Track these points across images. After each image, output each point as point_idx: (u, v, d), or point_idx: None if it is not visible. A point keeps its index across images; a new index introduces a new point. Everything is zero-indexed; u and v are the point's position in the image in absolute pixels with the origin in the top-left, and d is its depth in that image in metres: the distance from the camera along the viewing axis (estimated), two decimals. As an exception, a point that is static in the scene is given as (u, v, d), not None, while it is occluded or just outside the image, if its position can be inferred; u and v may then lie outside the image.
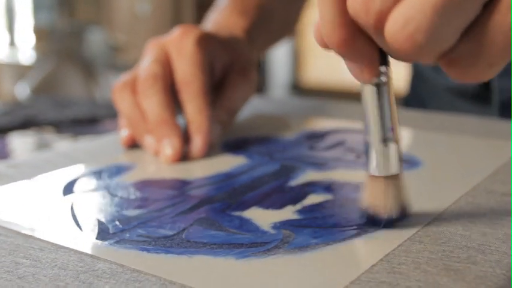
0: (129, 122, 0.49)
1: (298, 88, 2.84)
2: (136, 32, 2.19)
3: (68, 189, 0.41)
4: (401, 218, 0.33)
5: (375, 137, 0.32)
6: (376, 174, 0.33)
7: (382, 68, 0.31)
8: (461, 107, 0.71)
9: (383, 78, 0.31)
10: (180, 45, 0.50)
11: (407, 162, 0.44)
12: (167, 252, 0.31)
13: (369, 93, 0.32)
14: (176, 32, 0.51)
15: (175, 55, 0.50)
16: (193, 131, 0.48)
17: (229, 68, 0.54)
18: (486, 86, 0.70)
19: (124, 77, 0.51)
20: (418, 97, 0.79)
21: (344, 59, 0.30)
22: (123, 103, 0.49)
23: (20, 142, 0.88)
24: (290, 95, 2.72)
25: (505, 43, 0.25)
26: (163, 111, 0.47)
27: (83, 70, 2.09)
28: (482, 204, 0.36)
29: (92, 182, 0.42)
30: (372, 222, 0.33)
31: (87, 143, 0.53)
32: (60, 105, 1.15)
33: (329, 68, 2.77)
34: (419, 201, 0.37)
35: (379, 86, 0.31)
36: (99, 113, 1.06)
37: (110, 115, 1.03)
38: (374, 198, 0.33)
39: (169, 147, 0.46)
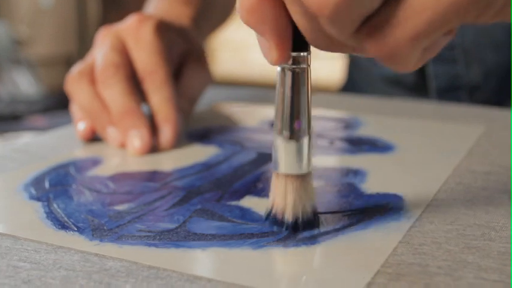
0: (88, 114, 0.46)
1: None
2: (39, 25, 2.10)
3: (40, 186, 0.38)
4: (307, 223, 0.30)
5: (279, 130, 0.29)
6: (280, 171, 0.30)
7: (298, 54, 0.28)
8: (397, 96, 0.72)
9: (298, 65, 0.28)
10: (138, 34, 0.48)
11: (383, 146, 0.45)
12: (177, 246, 0.29)
13: (279, 79, 0.29)
14: (131, 20, 0.49)
15: (133, 44, 0.47)
16: (161, 121, 0.46)
17: (186, 57, 0.52)
18: (421, 75, 0.72)
19: (78, 67, 0.48)
20: (354, 86, 0.80)
21: (256, 34, 0.27)
22: (80, 94, 0.47)
23: None
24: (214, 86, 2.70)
25: (434, 18, 0.23)
26: (128, 100, 0.45)
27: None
28: (471, 184, 0.37)
29: (63, 178, 0.39)
30: (274, 223, 0.30)
31: (39, 138, 0.50)
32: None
33: (237, 59, 2.77)
34: (410, 183, 0.37)
35: (291, 73, 0.28)
36: (19, 108, 1.01)
37: (31, 111, 0.98)
38: (277, 198, 0.30)
39: (137, 138, 0.44)
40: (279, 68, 0.28)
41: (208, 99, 0.59)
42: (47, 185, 0.38)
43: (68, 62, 2.20)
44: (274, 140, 0.29)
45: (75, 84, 0.47)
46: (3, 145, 0.57)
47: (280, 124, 0.29)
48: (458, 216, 0.32)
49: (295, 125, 0.29)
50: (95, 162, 0.43)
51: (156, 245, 0.29)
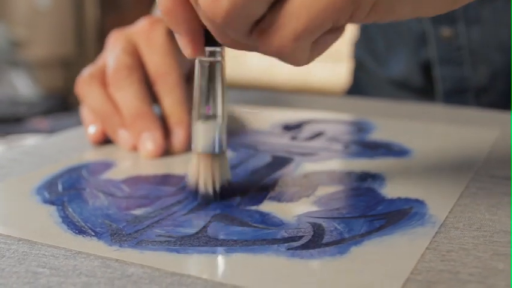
0: (99, 116, 0.46)
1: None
2: (37, 26, 2.08)
3: (53, 189, 0.37)
4: (221, 196, 0.34)
5: (195, 113, 0.34)
6: (200, 150, 0.34)
7: (212, 49, 0.32)
8: (404, 99, 0.72)
9: (213, 58, 0.33)
10: (150, 37, 0.47)
11: (399, 150, 0.44)
12: (199, 251, 0.28)
13: (196, 70, 0.33)
14: (143, 23, 0.48)
15: (145, 46, 0.47)
16: (174, 124, 0.45)
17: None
18: (428, 77, 0.72)
19: (88, 70, 0.47)
20: (360, 89, 0.80)
21: (174, 30, 0.31)
22: (91, 97, 0.46)
23: None
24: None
25: (311, 18, 0.26)
26: (141, 103, 0.44)
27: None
28: (493, 189, 0.36)
29: (76, 181, 0.38)
30: (192, 196, 0.35)
31: (47, 140, 0.49)
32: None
33: (235, 63, 2.77)
34: (430, 187, 0.36)
35: (206, 64, 0.33)
36: (20, 111, 1.00)
37: (31, 113, 0.97)
38: (194, 173, 0.35)
39: (150, 141, 0.43)
40: (196, 61, 0.33)
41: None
42: (60, 188, 0.37)
43: (66, 64, 2.19)
44: (192, 124, 0.34)
45: (86, 87, 0.46)
46: (9, 147, 0.56)
47: (196, 109, 0.34)
48: (484, 222, 0.31)
49: (207, 109, 0.34)
50: (107, 165, 0.42)
51: (177, 251, 0.29)
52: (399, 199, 0.35)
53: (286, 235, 0.30)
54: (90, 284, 0.26)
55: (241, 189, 0.36)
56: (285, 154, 0.43)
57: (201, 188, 0.34)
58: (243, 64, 2.72)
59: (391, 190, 0.36)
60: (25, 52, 2.03)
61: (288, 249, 0.29)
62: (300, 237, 0.30)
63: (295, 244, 0.29)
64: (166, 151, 0.44)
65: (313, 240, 0.29)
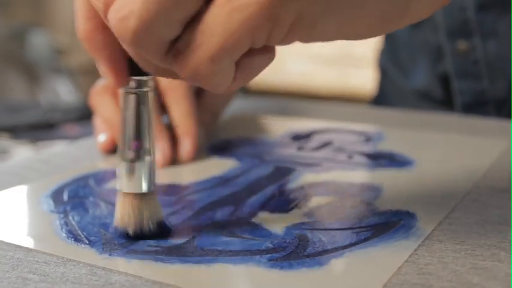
0: (110, 126, 0.47)
1: (244, 89, 2.83)
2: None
3: (59, 198, 0.38)
4: (148, 237, 0.31)
5: (121, 150, 0.31)
6: (124, 190, 0.31)
7: (139, 78, 0.30)
8: (427, 110, 0.72)
9: (139, 88, 0.30)
10: None
11: (401, 161, 0.44)
12: (183, 261, 0.30)
13: (121, 101, 0.30)
14: None
15: None
16: (182, 134, 0.46)
17: None
18: (448, 90, 0.71)
19: (102, 81, 0.49)
20: (385, 98, 0.80)
21: (94, 58, 0.29)
22: (103, 107, 0.47)
23: (-26, 149, 0.84)
24: (241, 96, 2.72)
25: (225, 38, 0.25)
26: (149, 114, 0.46)
27: (26, 74, 2.03)
28: (488, 202, 0.36)
29: (81, 190, 0.40)
30: (116, 237, 0.32)
31: (61, 149, 0.51)
32: (12, 110, 1.10)
33: (274, 69, 2.78)
34: (425, 200, 0.37)
35: (132, 96, 0.30)
36: (55, 117, 1.03)
37: (66, 120, 1.00)
38: (118, 213, 0.32)
39: (158, 151, 0.45)
40: (121, 91, 0.30)
41: (236, 109, 0.60)
42: (65, 197, 0.39)
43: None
44: (117, 160, 0.31)
45: (98, 97, 0.48)
46: (32, 155, 0.58)
47: (122, 145, 0.31)
48: (470, 235, 0.32)
49: (134, 145, 0.30)
50: (115, 174, 0.43)
51: (162, 260, 0.30)
52: (390, 211, 0.35)
53: (270, 246, 0.31)
54: (74, 290, 0.27)
55: (238, 200, 0.37)
56: (289, 164, 0.44)
57: (124, 230, 0.32)
58: (281, 70, 2.73)
59: (384, 202, 0.36)
60: (67, 59, 2.09)
61: (270, 260, 0.29)
62: (284, 248, 0.31)
63: (277, 255, 0.30)
64: (174, 161, 0.45)
65: (296, 252, 0.30)
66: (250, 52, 0.26)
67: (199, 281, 0.28)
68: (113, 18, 0.25)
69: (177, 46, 0.26)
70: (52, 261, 0.30)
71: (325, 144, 0.49)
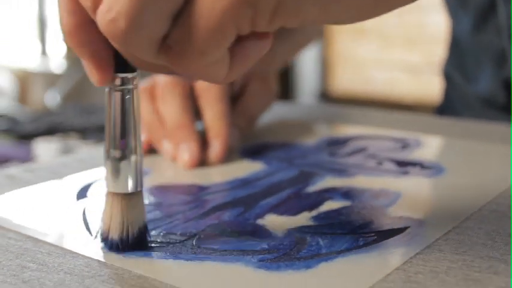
0: (146, 127, 0.49)
1: (326, 96, 2.82)
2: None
3: (82, 193, 0.40)
4: (134, 242, 0.30)
5: (107, 149, 0.30)
6: (108, 190, 0.31)
7: (124, 75, 0.29)
8: (493, 117, 0.69)
9: (125, 86, 0.29)
10: None
11: (432, 169, 0.43)
12: (176, 258, 0.30)
13: (106, 100, 0.30)
14: None
15: None
16: (212, 136, 0.47)
17: (250, 76, 0.53)
18: (510, 95, 0.68)
19: (143, 84, 0.51)
20: (451, 107, 0.77)
21: (77, 54, 0.29)
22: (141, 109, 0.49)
23: (44, 148, 0.89)
24: (318, 103, 2.71)
25: (210, 28, 0.25)
26: (182, 115, 0.47)
27: (112, 78, 2.11)
28: (506, 213, 0.34)
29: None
30: (103, 242, 0.31)
31: (99, 150, 0.53)
32: (86, 112, 1.15)
33: (357, 76, 2.75)
34: (441, 208, 0.36)
35: (118, 94, 0.29)
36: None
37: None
38: (105, 216, 0.31)
39: (186, 152, 0.46)
40: (106, 89, 0.30)
41: (280, 114, 0.60)
42: (89, 193, 0.40)
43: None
44: (104, 160, 0.31)
45: (137, 99, 0.49)
46: (87, 153, 0.61)
47: (108, 143, 0.30)
48: (474, 246, 0.30)
49: (121, 144, 0.30)
50: (144, 173, 0.44)
51: (158, 256, 0.30)
52: (400, 218, 0.34)
53: (266, 247, 0.31)
54: (64, 280, 0.28)
55: (251, 201, 0.37)
56: (315, 169, 0.44)
57: (107, 234, 0.31)
58: (365, 78, 2.69)
59: (398, 209, 0.35)
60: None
61: (260, 260, 0.29)
62: (278, 250, 0.30)
63: (268, 256, 0.30)
64: (204, 162, 0.46)
65: (289, 254, 0.30)
66: (242, 40, 0.27)
67: (181, 277, 0.28)
68: (102, 21, 0.25)
69: (168, 43, 0.26)
70: (55, 252, 0.31)
71: (358, 151, 0.48)
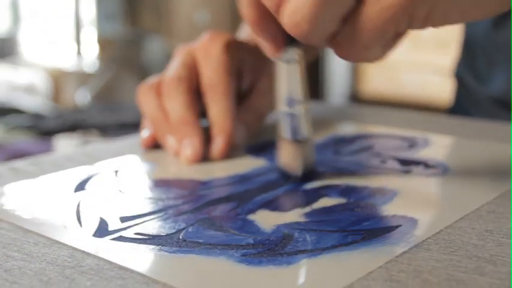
0: (152, 122, 0.49)
1: (356, 98, 2.80)
2: (194, 40, 2.21)
3: (80, 186, 0.40)
4: (309, 176, 0.39)
5: (283, 106, 0.38)
6: (285, 137, 0.39)
7: (292, 49, 0.37)
8: (505, 117, 0.67)
9: (292, 57, 0.37)
10: (207, 50, 0.49)
11: (436, 168, 0.42)
12: (160, 250, 0.30)
13: (279, 68, 0.38)
14: (203, 38, 0.51)
15: (202, 60, 0.49)
16: (216, 132, 0.47)
17: (259, 74, 0.53)
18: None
19: (150, 80, 0.51)
20: (462, 108, 0.76)
21: (258, 37, 0.37)
22: (146, 104, 0.49)
23: (64, 144, 0.90)
24: (344, 104, 2.69)
25: (375, 30, 0.32)
26: (185, 111, 0.47)
27: (141, 77, 2.13)
28: (504, 214, 0.33)
29: (106, 180, 0.41)
30: (284, 178, 0.40)
31: (110, 144, 0.53)
32: (109, 110, 1.16)
33: (388, 79, 2.72)
34: (436, 207, 0.35)
35: (287, 63, 0.37)
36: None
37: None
38: (284, 158, 0.40)
39: (189, 147, 0.46)
40: (278, 60, 0.38)
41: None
42: (87, 186, 0.40)
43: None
44: (281, 115, 0.39)
45: (143, 95, 0.49)
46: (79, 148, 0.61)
47: (280, 101, 0.38)
48: (465, 246, 0.29)
49: (289, 100, 0.38)
50: (147, 168, 0.45)
51: (139, 248, 0.30)
52: (393, 216, 0.33)
53: (251, 242, 0.31)
54: (44, 270, 0.28)
55: (245, 197, 0.37)
56: (317, 167, 0.43)
57: (288, 171, 0.39)
58: (396, 80, 2.67)
59: (393, 207, 0.35)
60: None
61: (243, 255, 0.29)
62: (263, 245, 0.30)
63: (252, 251, 0.29)
64: (207, 158, 0.46)
65: (273, 249, 0.30)
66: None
67: (161, 269, 0.28)
68: (288, 23, 0.32)
69: (338, 38, 0.33)
70: (41, 242, 0.31)
71: (364, 149, 0.48)
